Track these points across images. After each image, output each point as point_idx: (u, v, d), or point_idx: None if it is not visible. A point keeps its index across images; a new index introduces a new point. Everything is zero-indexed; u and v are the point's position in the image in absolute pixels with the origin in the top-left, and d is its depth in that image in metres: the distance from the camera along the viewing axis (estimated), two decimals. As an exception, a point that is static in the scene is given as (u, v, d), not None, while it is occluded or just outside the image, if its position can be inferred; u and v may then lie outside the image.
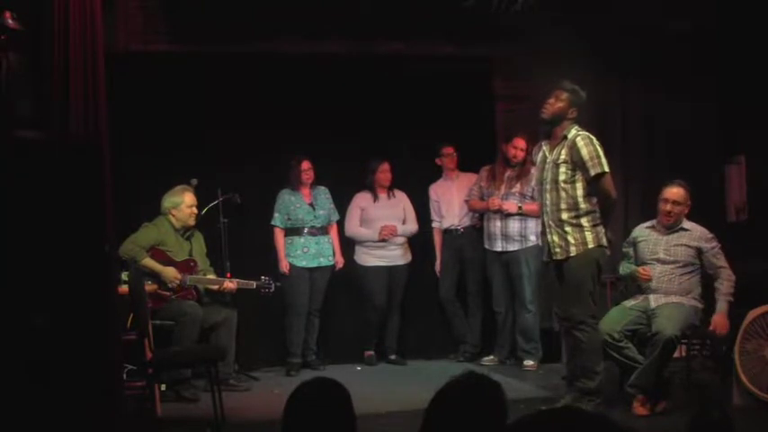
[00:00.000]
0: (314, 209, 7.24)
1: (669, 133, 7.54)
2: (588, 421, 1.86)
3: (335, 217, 7.38)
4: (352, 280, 7.53)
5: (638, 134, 7.65)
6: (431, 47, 7.27)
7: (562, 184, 5.36)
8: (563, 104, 5.41)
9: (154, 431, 5.48)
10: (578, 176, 5.36)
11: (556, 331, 5.77)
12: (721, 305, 5.67)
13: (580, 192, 5.36)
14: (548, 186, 5.43)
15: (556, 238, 5.40)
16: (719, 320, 5.64)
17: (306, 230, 7.21)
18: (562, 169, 5.36)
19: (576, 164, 5.34)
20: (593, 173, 5.32)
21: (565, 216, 5.37)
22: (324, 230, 7.29)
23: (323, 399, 2.55)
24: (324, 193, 7.33)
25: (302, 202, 7.22)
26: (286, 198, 7.23)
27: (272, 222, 7.22)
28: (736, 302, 5.79)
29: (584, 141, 5.34)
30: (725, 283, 5.70)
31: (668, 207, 5.79)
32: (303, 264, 7.19)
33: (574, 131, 5.40)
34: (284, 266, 7.14)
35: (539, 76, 7.21)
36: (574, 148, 5.34)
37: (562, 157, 5.36)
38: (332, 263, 7.31)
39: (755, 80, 7.02)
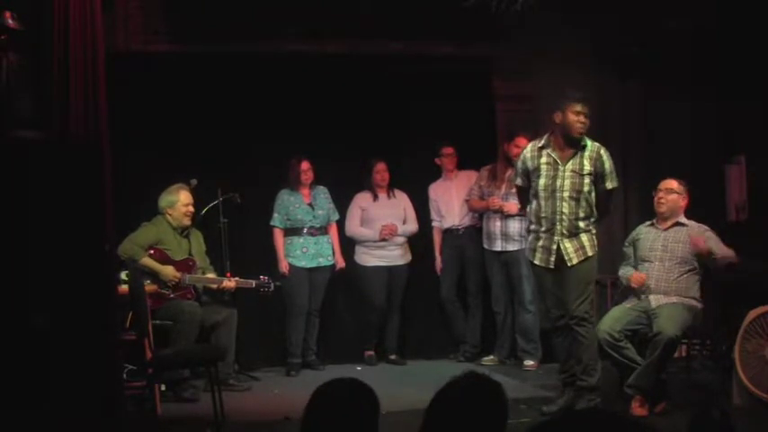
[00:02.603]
0: (313, 209, 7.23)
1: (669, 133, 7.54)
2: (616, 424, 1.85)
3: (335, 217, 7.37)
4: (352, 280, 7.53)
5: (638, 134, 7.65)
6: (431, 47, 7.28)
7: (584, 195, 5.48)
8: (589, 117, 5.52)
9: (154, 431, 5.48)
10: (593, 187, 5.52)
11: (555, 331, 5.76)
12: (715, 246, 5.71)
13: (594, 201, 5.53)
14: (564, 195, 5.47)
15: (569, 245, 5.46)
16: (701, 240, 5.69)
17: (305, 231, 7.20)
18: (587, 180, 5.49)
19: (597, 174, 5.50)
20: (610, 186, 5.54)
21: (582, 225, 5.49)
22: (323, 230, 7.28)
23: (351, 400, 2.54)
24: (323, 193, 7.32)
25: (301, 203, 7.21)
26: (285, 198, 7.22)
27: (272, 223, 7.21)
28: (735, 302, 5.79)
29: (607, 155, 5.53)
30: (728, 251, 5.73)
31: (660, 194, 5.88)
32: (302, 264, 7.18)
33: (589, 141, 5.53)
34: (284, 267, 7.13)
35: (539, 76, 7.23)
36: (599, 160, 5.50)
37: (586, 168, 5.48)
38: (331, 263, 7.30)
39: (755, 80, 7.02)
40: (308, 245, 7.20)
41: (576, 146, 5.48)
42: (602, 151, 5.51)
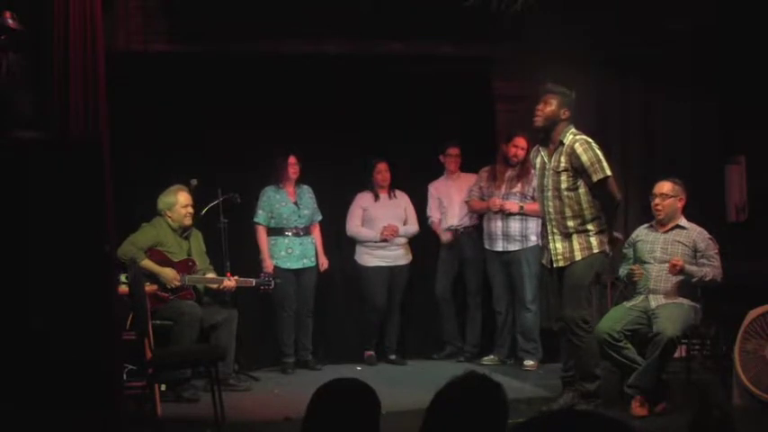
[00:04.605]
0: (299, 208, 7.18)
1: (669, 133, 7.54)
2: (606, 425, 1.85)
3: (318, 217, 7.32)
4: (353, 280, 7.53)
5: (638, 134, 7.65)
6: (431, 47, 7.27)
7: (565, 192, 5.35)
8: (553, 108, 5.38)
9: (154, 431, 5.48)
10: (580, 182, 5.35)
11: (555, 331, 5.77)
12: (693, 267, 5.63)
13: (584, 198, 5.36)
14: (549, 194, 5.40)
15: (559, 246, 5.39)
16: (678, 260, 5.61)
17: (290, 231, 7.16)
18: (563, 177, 5.34)
19: (577, 170, 5.32)
20: (595, 179, 5.32)
21: (571, 224, 5.37)
22: (307, 231, 7.23)
23: (353, 400, 2.54)
24: (308, 192, 7.27)
25: (287, 201, 7.16)
26: (270, 195, 7.15)
27: (255, 219, 7.11)
28: (736, 302, 5.79)
29: (582, 147, 5.31)
30: (708, 270, 5.64)
31: (656, 201, 5.81)
32: (287, 265, 7.11)
33: (570, 136, 5.37)
34: (268, 266, 7.03)
35: (539, 77, 7.22)
36: (573, 155, 5.31)
37: (562, 164, 5.34)
38: (315, 264, 7.23)
39: (755, 80, 7.02)
40: (293, 245, 7.15)
41: (557, 141, 5.39)
42: (577, 145, 5.31)
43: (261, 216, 7.13)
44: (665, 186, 5.82)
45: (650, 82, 7.52)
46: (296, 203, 7.19)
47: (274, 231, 7.16)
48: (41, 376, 4.48)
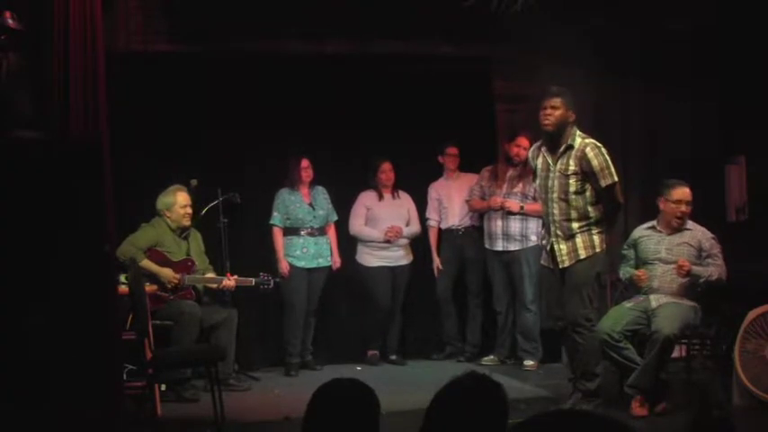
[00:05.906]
0: (313, 209, 7.22)
1: (669, 133, 7.54)
2: (605, 425, 1.85)
3: (334, 217, 7.35)
4: (354, 280, 7.51)
5: (638, 134, 7.65)
6: (431, 47, 7.27)
7: (572, 195, 5.36)
8: (562, 111, 5.37)
9: (154, 431, 5.48)
10: (588, 186, 5.37)
11: (557, 331, 5.76)
12: (699, 268, 5.63)
13: (589, 200, 5.38)
14: (554, 196, 5.41)
15: (563, 247, 5.39)
16: (685, 261, 5.61)
17: (305, 231, 7.19)
18: (572, 180, 5.35)
19: (587, 174, 5.34)
20: (604, 184, 5.34)
21: (575, 225, 5.38)
22: (322, 231, 7.26)
23: (352, 401, 2.54)
24: (322, 193, 7.31)
25: (302, 202, 7.20)
26: (285, 197, 7.20)
27: (271, 222, 7.18)
28: (736, 302, 5.79)
29: (593, 152, 5.33)
30: (713, 269, 5.65)
31: (683, 208, 5.76)
32: (302, 264, 7.16)
33: (579, 140, 5.38)
34: (284, 267, 7.09)
35: (539, 77, 7.23)
36: (584, 159, 5.32)
37: (571, 168, 5.34)
38: (330, 263, 7.28)
39: (755, 80, 7.02)
40: (309, 245, 7.19)
41: (564, 145, 5.39)
42: (588, 149, 5.33)
43: (276, 218, 7.17)
44: (687, 192, 5.78)
45: (650, 82, 7.51)
46: (310, 204, 7.21)
47: (290, 231, 7.19)
48: (41, 376, 4.49)
